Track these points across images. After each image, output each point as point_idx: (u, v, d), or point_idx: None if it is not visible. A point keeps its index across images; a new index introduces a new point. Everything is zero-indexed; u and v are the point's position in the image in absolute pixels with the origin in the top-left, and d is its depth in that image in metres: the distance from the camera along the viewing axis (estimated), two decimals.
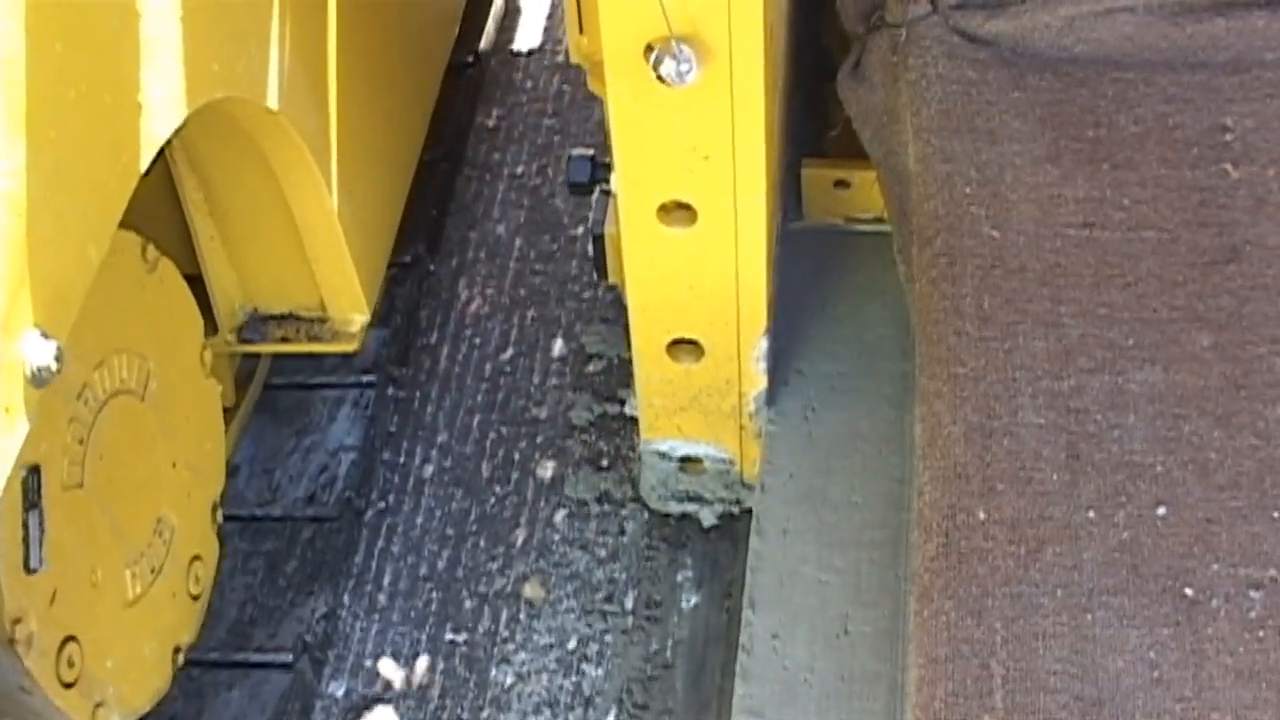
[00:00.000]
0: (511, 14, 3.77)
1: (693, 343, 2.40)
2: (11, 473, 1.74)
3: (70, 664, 2.05)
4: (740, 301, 2.32)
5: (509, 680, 2.60)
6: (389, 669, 2.64)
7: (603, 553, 2.74)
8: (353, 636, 2.69)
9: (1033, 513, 1.87)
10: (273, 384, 2.96)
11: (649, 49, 1.95)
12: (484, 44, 3.62)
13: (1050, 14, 2.25)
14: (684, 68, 1.94)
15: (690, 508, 2.71)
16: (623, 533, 2.76)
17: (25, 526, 1.95)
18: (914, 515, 2.00)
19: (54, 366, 1.73)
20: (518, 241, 3.28)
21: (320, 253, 2.61)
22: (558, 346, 3.07)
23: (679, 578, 2.69)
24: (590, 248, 2.49)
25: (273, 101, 2.29)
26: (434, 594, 2.72)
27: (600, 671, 2.59)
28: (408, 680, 2.62)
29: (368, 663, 2.65)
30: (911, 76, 2.27)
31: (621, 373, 2.98)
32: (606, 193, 2.43)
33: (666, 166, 2.12)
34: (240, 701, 2.55)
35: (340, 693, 2.62)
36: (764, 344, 2.40)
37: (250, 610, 2.66)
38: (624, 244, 2.26)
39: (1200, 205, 2.12)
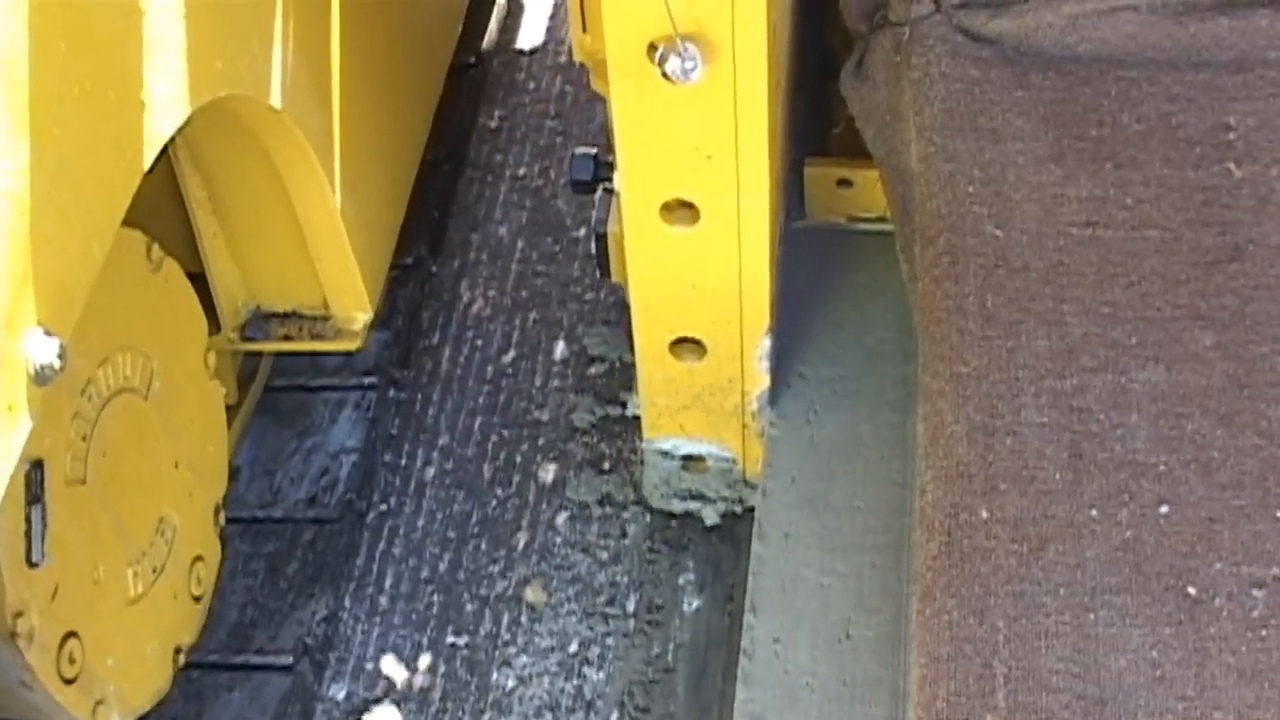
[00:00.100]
0: (514, 14, 3.78)
1: (695, 341, 2.42)
2: (15, 468, 1.76)
3: (71, 660, 2.08)
4: (743, 300, 2.33)
5: (510, 683, 2.61)
6: (390, 672, 2.66)
7: (604, 556, 2.76)
8: (354, 639, 2.70)
9: (1035, 512, 1.88)
10: (274, 386, 2.97)
11: (653, 47, 1.97)
12: (486, 44, 3.63)
13: (1053, 13, 2.27)
14: (689, 65, 1.96)
15: (693, 506, 2.73)
16: (624, 536, 2.78)
17: (28, 520, 1.97)
18: (916, 514, 2.02)
19: (57, 364, 1.74)
20: (520, 243, 3.29)
21: (323, 251, 2.63)
22: (560, 349, 3.09)
23: (681, 581, 2.70)
24: (593, 247, 2.50)
25: (276, 99, 2.30)
26: (435, 597, 2.74)
27: (602, 675, 2.60)
28: (409, 683, 2.64)
29: (369, 665, 2.66)
30: (915, 75, 2.28)
31: (623, 375, 2.99)
32: (609, 191, 2.44)
33: (669, 165, 2.14)
34: (240, 704, 2.56)
35: (341, 695, 2.63)
36: (766, 343, 2.41)
37: (251, 612, 2.68)
38: (627, 243, 2.27)
39: (1203, 204, 2.14)
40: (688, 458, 2.64)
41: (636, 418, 2.76)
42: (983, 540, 1.87)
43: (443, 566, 2.78)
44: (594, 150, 2.50)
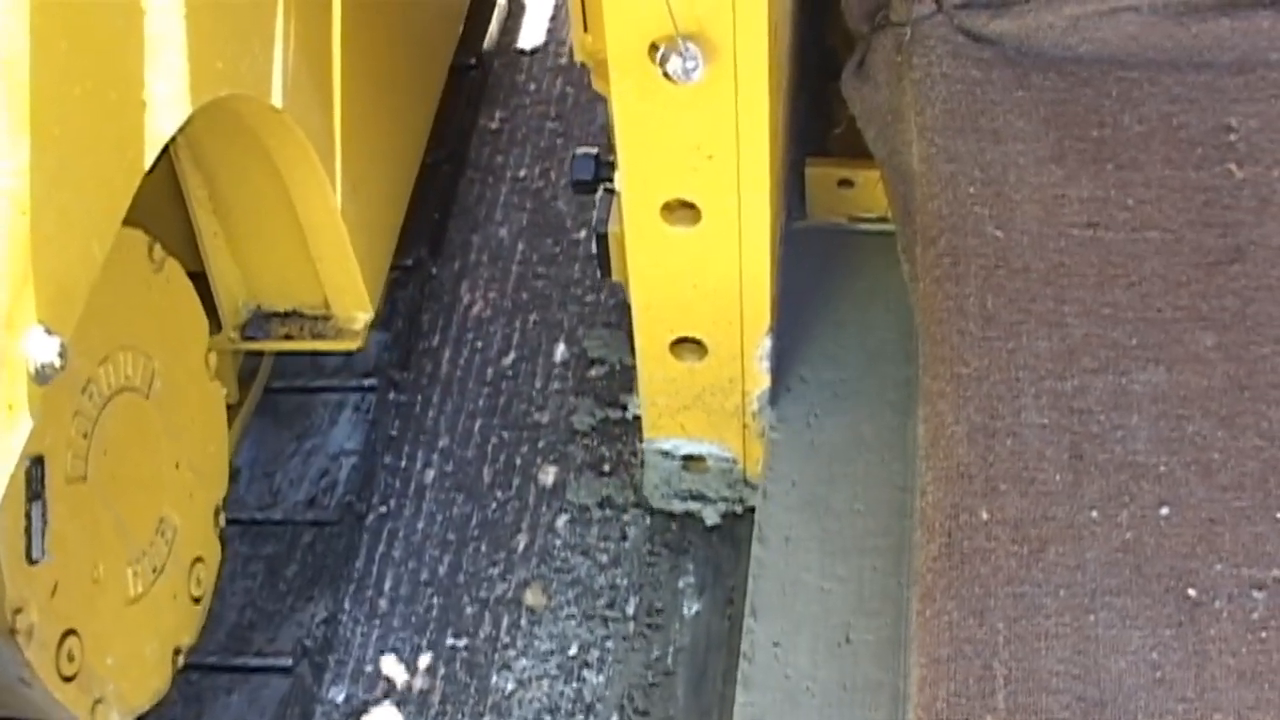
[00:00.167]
0: (514, 15, 3.79)
1: (696, 341, 2.43)
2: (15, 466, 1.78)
3: (70, 658, 2.09)
4: (744, 300, 2.34)
5: (510, 686, 2.62)
6: (389, 674, 2.66)
7: (604, 558, 2.77)
8: (353, 641, 2.71)
9: (1036, 513, 1.89)
10: (274, 387, 2.99)
11: (654, 47, 1.98)
12: (487, 45, 3.64)
13: (1055, 13, 2.28)
14: (690, 65, 1.97)
15: (693, 506, 2.74)
16: (624, 538, 2.79)
17: (28, 517, 1.98)
18: (917, 516, 2.02)
19: (57, 363, 1.76)
20: (520, 245, 3.30)
21: (324, 250, 2.64)
22: (560, 351, 3.10)
23: (681, 584, 2.72)
24: (594, 247, 2.51)
25: (277, 99, 2.32)
26: (435, 599, 2.75)
27: (601, 678, 2.62)
28: (408, 685, 2.65)
29: (368, 668, 2.68)
30: (916, 75, 2.29)
31: (624, 378, 3.01)
32: (610, 191, 2.45)
33: (670, 165, 2.15)
34: (239, 706, 2.58)
35: (340, 698, 2.64)
36: (767, 343, 2.42)
37: (250, 614, 2.69)
38: (628, 243, 2.28)
39: (1204, 205, 2.15)
40: (688, 458, 2.65)
41: (637, 420, 2.77)
42: (983, 541, 1.88)
43: (442, 569, 2.79)
44: (595, 150, 2.51)
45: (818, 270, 2.67)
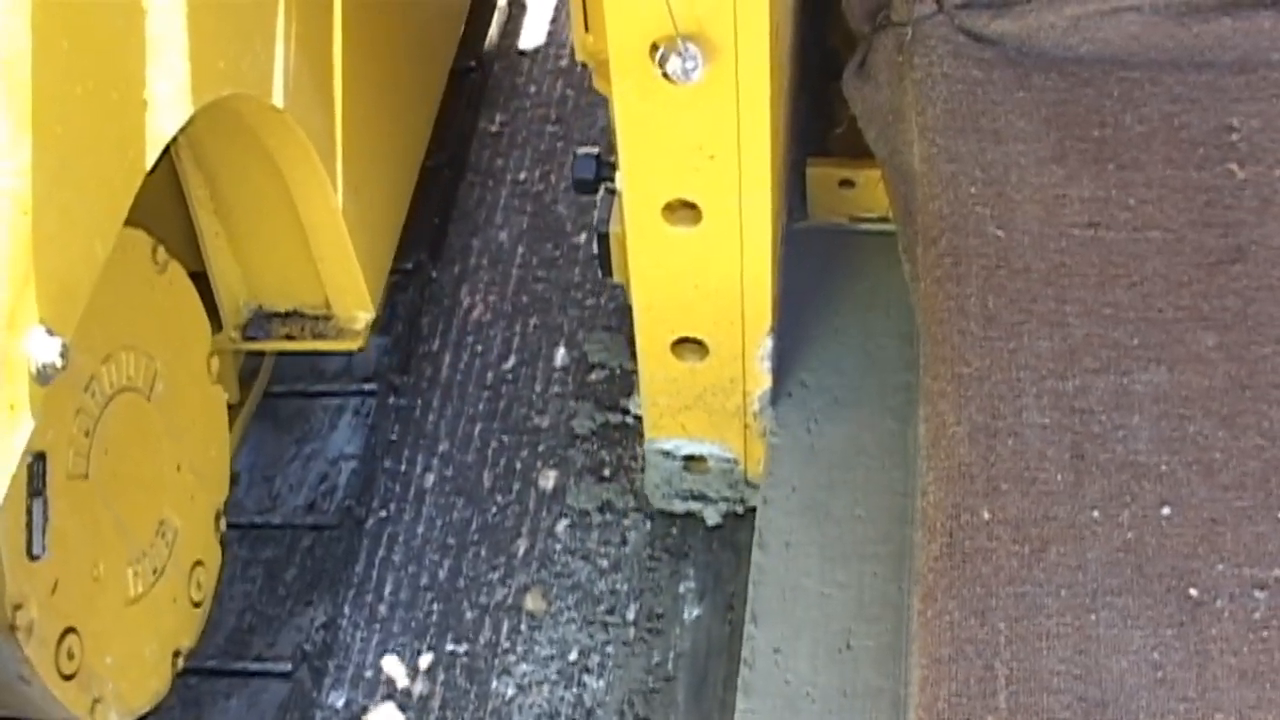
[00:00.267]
0: (515, 17, 3.80)
1: (697, 342, 2.44)
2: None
3: (70, 655, 2.11)
4: (745, 301, 2.35)
5: (510, 692, 2.64)
6: (389, 679, 2.68)
7: (604, 563, 2.79)
8: (353, 646, 2.73)
9: (1037, 513, 1.91)
10: (273, 391, 3.00)
11: (654, 47, 1.99)
12: (487, 48, 3.65)
13: (1056, 13, 2.29)
14: (689, 65, 1.98)
15: (694, 506, 2.76)
16: (625, 543, 2.81)
17: (29, 512, 2.00)
18: (918, 516, 2.03)
19: (59, 363, 1.77)
20: (520, 248, 3.32)
21: (325, 250, 2.66)
22: (560, 355, 3.12)
23: (681, 589, 2.73)
24: (595, 247, 2.53)
25: (278, 99, 2.33)
26: (435, 604, 2.77)
27: (602, 683, 2.63)
28: (408, 691, 2.66)
29: (368, 673, 2.69)
30: (917, 75, 2.30)
31: (624, 382, 3.02)
32: (611, 191, 2.47)
33: (672, 165, 2.16)
34: (238, 710, 2.59)
35: (340, 703, 2.66)
36: (768, 343, 2.43)
37: (249, 618, 2.70)
38: (629, 243, 2.29)
39: (1206, 205, 2.16)
40: (689, 458, 2.67)
41: (637, 424, 2.79)
42: (984, 541, 1.89)
43: (442, 574, 2.81)
44: (596, 150, 2.53)
45: (819, 270, 2.67)
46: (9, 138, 1.72)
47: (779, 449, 2.51)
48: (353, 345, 2.77)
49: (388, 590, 2.80)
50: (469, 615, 2.75)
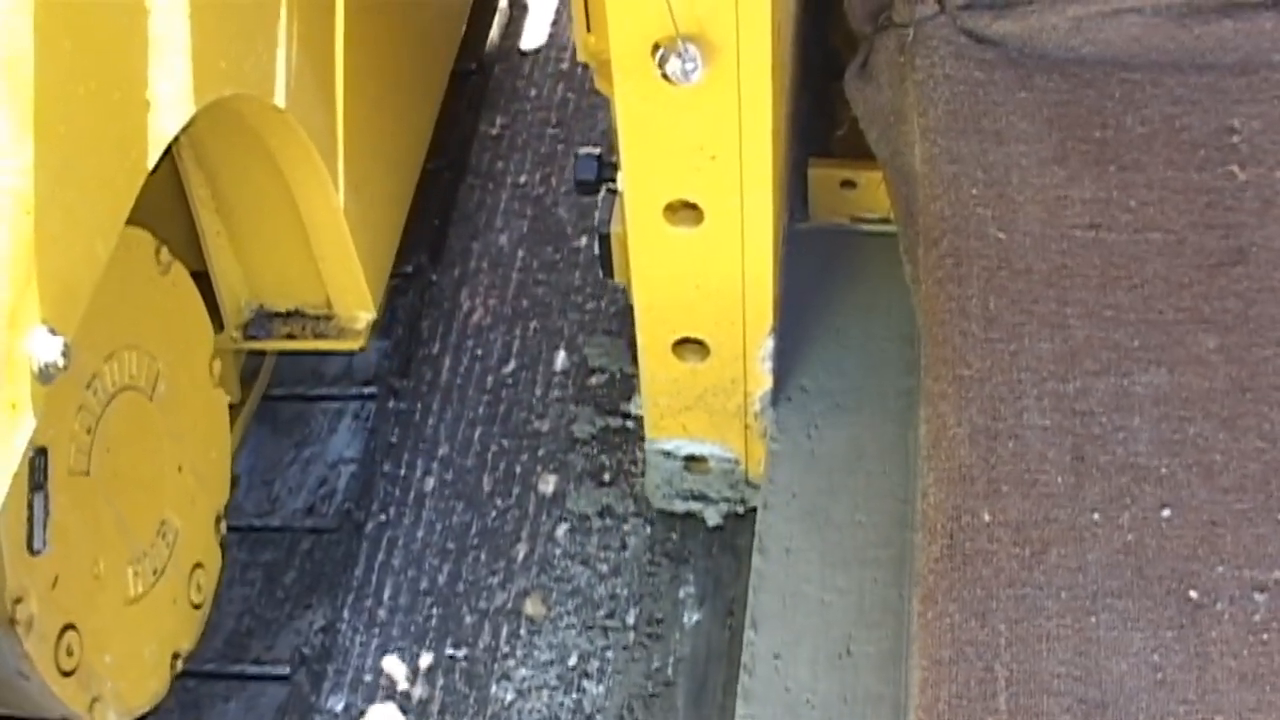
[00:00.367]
0: (515, 20, 3.81)
1: (698, 342, 2.44)
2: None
3: (69, 652, 2.13)
4: (746, 301, 2.36)
5: (509, 697, 2.65)
6: (388, 683, 2.69)
7: (604, 568, 2.80)
8: (352, 650, 2.74)
9: (1037, 515, 1.92)
10: (273, 395, 3.01)
11: (655, 48, 2.00)
12: (487, 50, 3.66)
13: (1058, 15, 2.30)
14: (689, 66, 1.98)
15: (695, 507, 2.77)
16: (624, 548, 2.82)
17: (30, 507, 2.02)
18: (918, 517, 2.05)
19: (61, 363, 1.78)
20: (520, 252, 3.33)
21: (326, 250, 2.67)
22: (560, 359, 3.13)
23: (681, 594, 2.74)
24: (596, 247, 2.54)
25: (280, 99, 2.35)
26: (434, 608, 2.78)
27: (601, 688, 2.64)
28: (407, 695, 2.67)
29: (367, 677, 2.70)
30: (918, 76, 2.31)
31: (624, 386, 3.04)
32: (613, 192, 2.48)
33: (673, 166, 2.16)
34: (237, 713, 2.60)
35: (339, 707, 2.67)
36: (770, 344, 2.44)
37: (247, 621, 2.71)
38: (630, 243, 2.30)
39: (1207, 207, 2.17)
40: (690, 458, 2.67)
41: (637, 428, 2.81)
42: (985, 543, 1.90)
43: (441, 578, 2.82)
44: (598, 150, 2.54)
45: (820, 271, 2.68)
46: (11, 137, 1.73)
47: (779, 454, 2.52)
48: (354, 345, 2.78)
49: (387, 594, 2.81)
50: (468, 619, 2.76)
